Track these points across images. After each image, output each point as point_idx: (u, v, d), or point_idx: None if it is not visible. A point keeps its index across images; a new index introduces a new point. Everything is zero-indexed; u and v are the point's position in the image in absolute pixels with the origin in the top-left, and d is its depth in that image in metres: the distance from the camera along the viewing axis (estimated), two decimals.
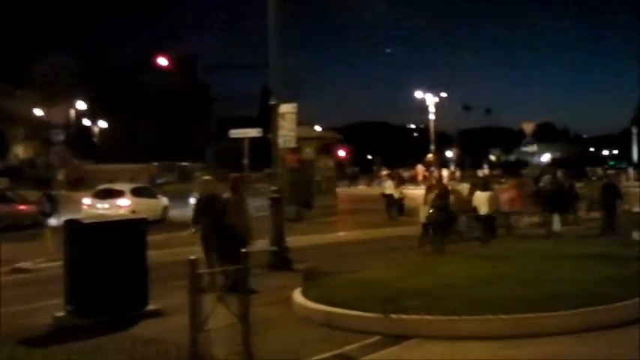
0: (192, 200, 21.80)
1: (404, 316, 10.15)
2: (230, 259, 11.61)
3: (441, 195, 20.82)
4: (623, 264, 13.98)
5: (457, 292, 11.28)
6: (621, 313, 10.39)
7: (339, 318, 10.65)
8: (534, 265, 14.27)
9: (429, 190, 22.31)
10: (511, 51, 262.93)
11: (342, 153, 62.67)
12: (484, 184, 23.26)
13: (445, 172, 57.34)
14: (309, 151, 33.29)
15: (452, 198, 21.76)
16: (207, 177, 20.34)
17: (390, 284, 12.28)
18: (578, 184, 31.95)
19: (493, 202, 21.35)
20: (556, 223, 23.03)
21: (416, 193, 34.21)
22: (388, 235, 24.93)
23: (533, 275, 12.92)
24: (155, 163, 70.42)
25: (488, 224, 21.31)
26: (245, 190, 17.03)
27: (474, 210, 21.57)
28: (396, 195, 33.48)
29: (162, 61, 35.30)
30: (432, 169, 62.69)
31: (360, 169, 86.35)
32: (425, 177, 57.57)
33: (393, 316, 10.15)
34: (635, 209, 27.14)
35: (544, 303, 10.44)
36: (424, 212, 20.90)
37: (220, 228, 14.29)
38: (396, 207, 33.08)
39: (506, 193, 24.16)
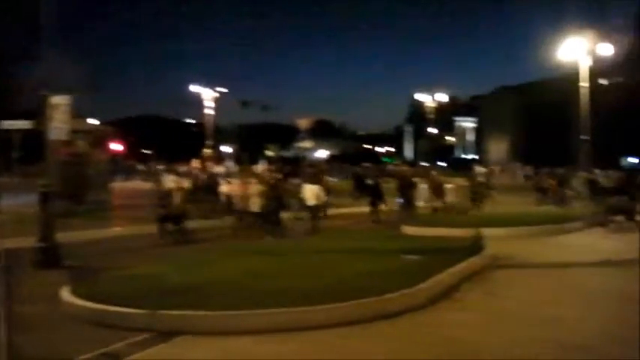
0: None
1: (173, 312, 10.13)
2: None
3: (271, 187, 23.58)
4: (389, 258, 14.79)
5: (229, 287, 11.48)
6: (387, 306, 10.90)
7: (109, 315, 10.44)
8: (304, 260, 14.77)
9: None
10: (290, 48, 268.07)
11: (117, 147, 61.43)
12: (313, 177, 24.66)
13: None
14: (82, 145, 32.41)
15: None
16: None
17: (163, 280, 12.30)
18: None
19: (320, 193, 23.67)
20: None
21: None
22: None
23: (304, 269, 13.36)
24: None
25: (313, 213, 23.44)
26: None
27: (302, 201, 23.64)
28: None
29: None
30: (208, 164, 62.64)
31: (137, 164, 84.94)
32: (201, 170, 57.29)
33: (162, 312, 10.12)
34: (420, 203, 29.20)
35: (311, 296, 10.76)
36: (255, 203, 22.75)
37: None
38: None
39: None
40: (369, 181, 31.30)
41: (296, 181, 29.18)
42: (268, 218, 22.89)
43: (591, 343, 9.29)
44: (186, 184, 26.33)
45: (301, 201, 24.19)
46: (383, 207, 28.54)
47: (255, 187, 23.82)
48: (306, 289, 11.19)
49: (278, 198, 23.70)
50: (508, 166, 64.24)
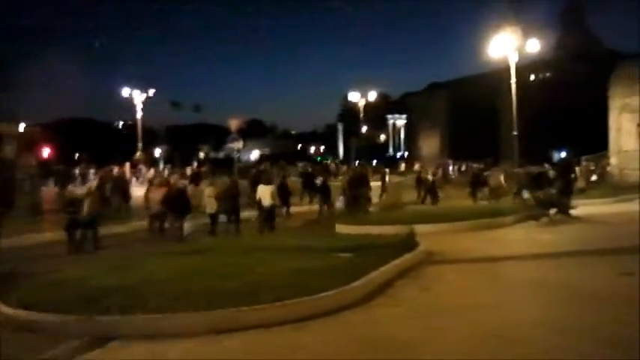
0: None
1: (107, 318, 10.01)
2: None
3: (230, 187, 24.72)
4: (323, 256, 14.82)
5: (160, 289, 11.32)
6: (322, 304, 10.92)
7: (41, 322, 10.24)
8: (238, 259, 14.71)
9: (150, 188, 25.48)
10: (219, 47, 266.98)
11: (46, 151, 60.40)
12: (266, 179, 26.47)
13: (152, 171, 56.90)
14: (9, 149, 31.90)
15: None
16: None
17: (94, 284, 12.09)
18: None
19: (274, 194, 23.91)
20: None
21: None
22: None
23: (236, 268, 13.25)
24: None
25: (270, 213, 23.61)
26: None
27: (258, 201, 23.85)
28: None
29: None
30: (140, 167, 62.02)
31: (68, 167, 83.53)
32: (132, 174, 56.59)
33: (95, 317, 9.99)
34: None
35: (246, 296, 10.72)
36: (211, 204, 24.01)
37: None
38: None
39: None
40: (318, 180, 31.52)
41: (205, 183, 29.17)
42: (229, 218, 24.13)
43: (523, 333, 9.41)
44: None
45: (256, 201, 24.32)
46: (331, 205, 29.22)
47: (209, 189, 24.81)
48: (235, 289, 11.13)
49: (234, 198, 24.34)
50: (441, 162, 64.90)
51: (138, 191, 30.43)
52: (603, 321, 9.92)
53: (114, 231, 24.72)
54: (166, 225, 23.50)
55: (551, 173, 33.53)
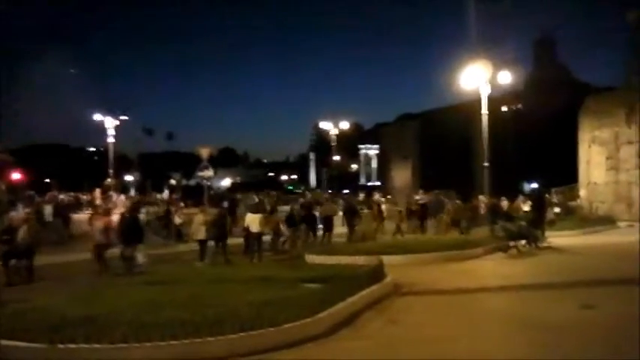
0: None
1: (71, 346, 9.99)
2: None
3: (218, 215, 25.26)
4: (291, 286, 14.82)
5: (126, 319, 11.23)
6: (287, 336, 10.92)
7: (6, 350, 10.19)
8: (204, 289, 14.67)
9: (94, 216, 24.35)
10: (195, 78, 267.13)
11: (16, 176, 60.01)
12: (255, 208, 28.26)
13: (123, 198, 56.66)
14: None
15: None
16: None
17: (59, 312, 11.97)
18: None
19: (262, 222, 24.74)
20: None
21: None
22: (61, 261, 24.58)
23: (202, 299, 13.22)
24: None
25: (259, 240, 24.48)
26: None
27: (246, 229, 24.77)
28: None
29: None
30: (111, 193, 61.74)
31: (38, 193, 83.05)
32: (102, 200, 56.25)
33: (60, 346, 9.97)
34: None
35: (212, 327, 10.69)
36: (200, 230, 24.37)
37: None
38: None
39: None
40: (301, 210, 31.64)
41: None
42: (218, 244, 24.54)
43: None
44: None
45: (244, 229, 25.09)
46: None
47: (199, 217, 25.15)
48: (201, 320, 11.06)
49: (222, 225, 24.65)
50: (406, 193, 65.01)
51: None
52: (565, 354, 10.08)
53: (57, 260, 24.11)
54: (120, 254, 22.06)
55: (525, 205, 33.92)
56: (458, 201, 36.70)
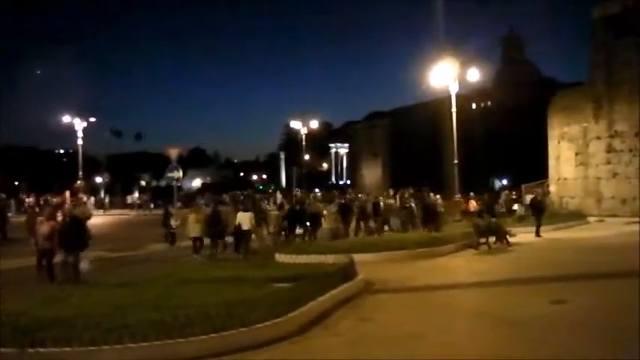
0: None
1: (41, 350, 9.91)
2: None
3: (213, 214, 25.88)
4: (261, 286, 14.77)
5: (96, 321, 11.09)
6: (258, 335, 10.90)
7: None
8: (174, 290, 14.59)
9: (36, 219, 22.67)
10: (163, 78, 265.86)
11: None
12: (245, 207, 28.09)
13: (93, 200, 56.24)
14: None
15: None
16: None
17: (28, 315, 11.79)
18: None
19: (252, 220, 25.29)
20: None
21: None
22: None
23: (172, 300, 13.16)
24: None
25: (248, 238, 25.09)
26: None
27: (237, 226, 25.10)
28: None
29: None
30: (81, 195, 61.28)
31: (7, 196, 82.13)
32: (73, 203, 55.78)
33: (30, 350, 9.87)
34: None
35: (183, 328, 10.65)
36: (194, 228, 25.29)
37: None
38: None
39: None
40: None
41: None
42: (214, 242, 25.22)
43: None
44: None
45: (235, 227, 25.37)
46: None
47: (193, 215, 25.92)
48: (172, 321, 11.00)
49: (218, 224, 25.30)
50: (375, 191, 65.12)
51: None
52: (534, 349, 10.15)
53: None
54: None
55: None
56: (438, 196, 36.78)
